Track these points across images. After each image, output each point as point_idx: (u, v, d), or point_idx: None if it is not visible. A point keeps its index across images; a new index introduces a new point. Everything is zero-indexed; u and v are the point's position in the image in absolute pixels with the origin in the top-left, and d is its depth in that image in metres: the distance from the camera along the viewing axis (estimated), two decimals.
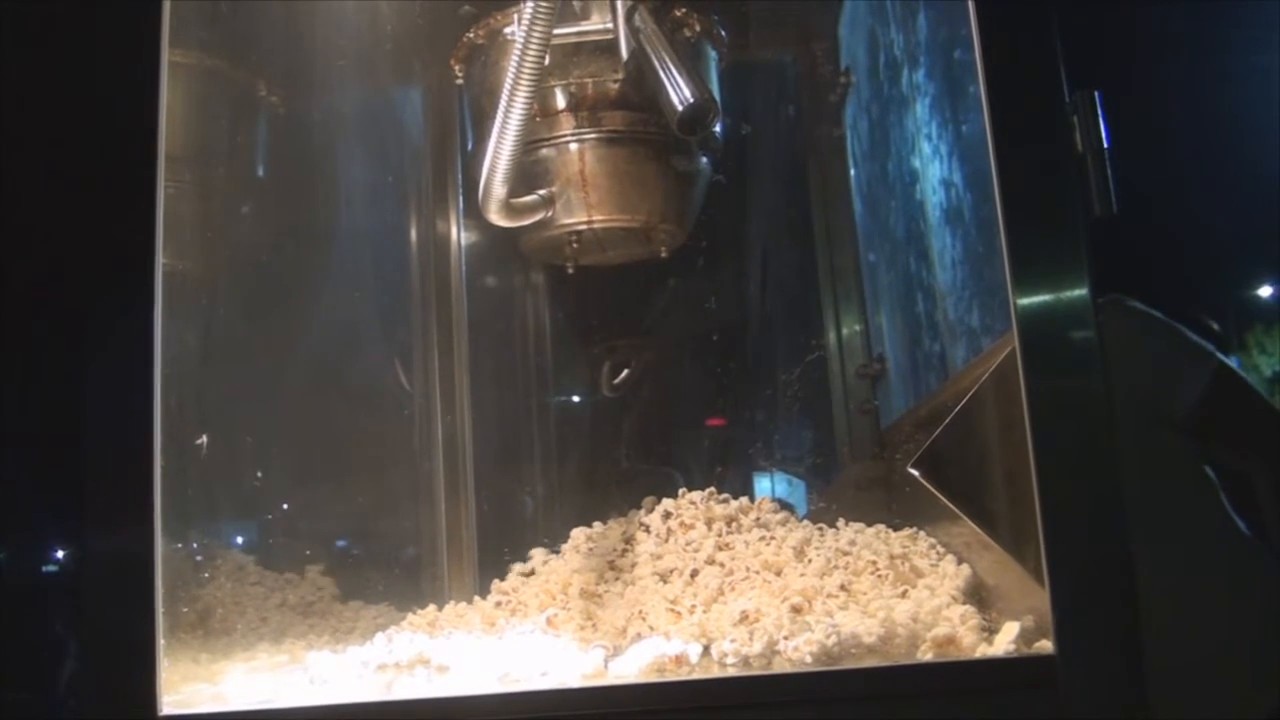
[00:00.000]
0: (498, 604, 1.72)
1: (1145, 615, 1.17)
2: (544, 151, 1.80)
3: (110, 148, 1.27)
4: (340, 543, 2.00)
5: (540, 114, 1.75)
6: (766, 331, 2.27)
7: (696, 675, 1.30)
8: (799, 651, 1.29)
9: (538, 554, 1.81)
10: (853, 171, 2.24)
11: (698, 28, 1.85)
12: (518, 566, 1.80)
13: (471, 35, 1.87)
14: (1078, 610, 1.16)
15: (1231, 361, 1.61)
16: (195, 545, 1.70)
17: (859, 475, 2.09)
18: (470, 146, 1.98)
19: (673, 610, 1.51)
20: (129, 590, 1.20)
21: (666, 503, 1.78)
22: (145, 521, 1.20)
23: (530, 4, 1.49)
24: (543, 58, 1.52)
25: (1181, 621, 1.25)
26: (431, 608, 1.77)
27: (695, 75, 1.63)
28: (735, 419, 2.22)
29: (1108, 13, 1.32)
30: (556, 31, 1.56)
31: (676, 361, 2.31)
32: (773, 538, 1.65)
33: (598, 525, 1.82)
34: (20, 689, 1.35)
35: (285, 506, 1.94)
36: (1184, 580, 1.30)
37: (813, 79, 2.29)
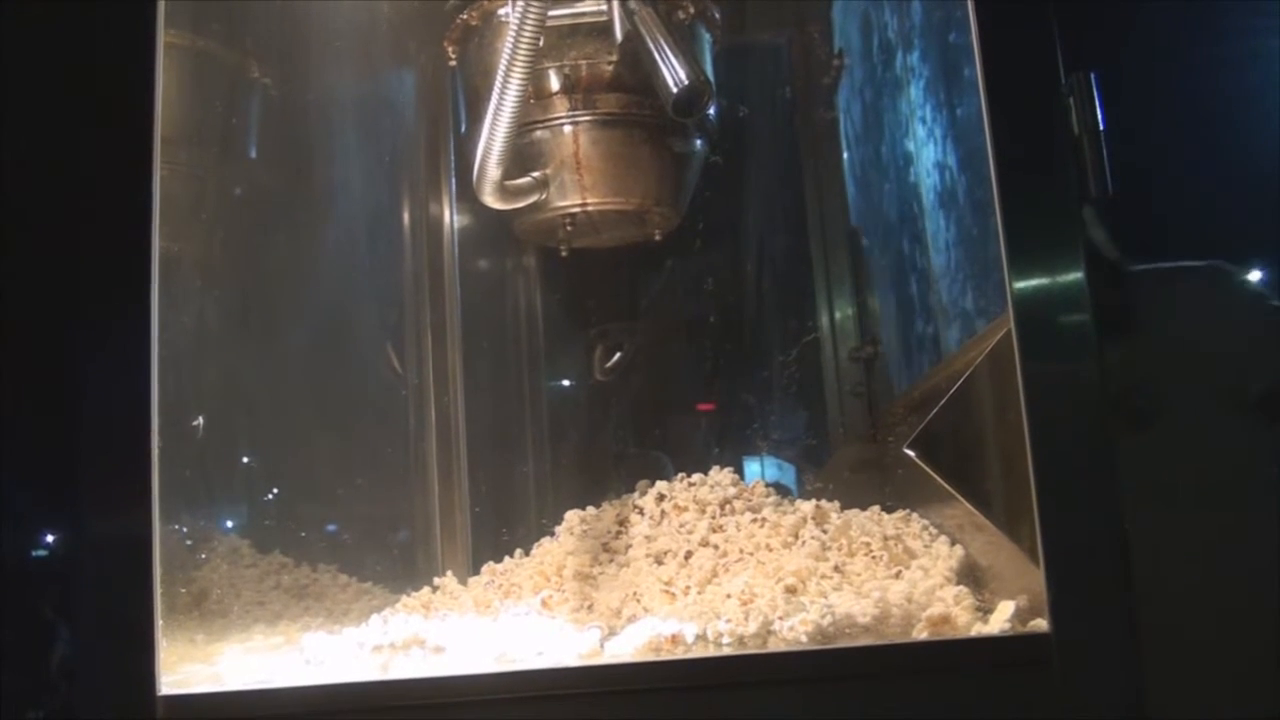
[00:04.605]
0: (487, 584, 1.72)
1: (1195, 601, 1.17)
2: (538, 134, 1.79)
3: (106, 128, 1.27)
4: (334, 525, 2.00)
5: (534, 96, 1.75)
6: (759, 315, 2.27)
7: (693, 654, 1.31)
8: (794, 631, 1.30)
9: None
10: (846, 154, 2.24)
11: (692, 10, 1.85)
12: None
13: (465, 17, 1.86)
14: (1073, 589, 1.17)
15: None
16: (187, 529, 1.70)
17: (852, 458, 2.10)
18: (464, 129, 1.97)
19: (667, 591, 1.52)
20: (128, 572, 1.20)
21: (660, 485, 1.79)
22: (143, 503, 1.20)
23: None
24: (537, 40, 1.52)
25: (1231, 610, 1.25)
26: (426, 589, 1.77)
27: (690, 57, 1.63)
28: (727, 403, 2.22)
29: None
30: (551, 13, 1.56)
31: (669, 345, 2.31)
32: (765, 520, 1.66)
33: (591, 508, 1.83)
34: (15, 672, 1.35)
35: (279, 489, 1.94)
36: (1235, 567, 1.30)
37: (806, 62, 2.29)
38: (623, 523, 1.77)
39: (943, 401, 1.57)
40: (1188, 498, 1.26)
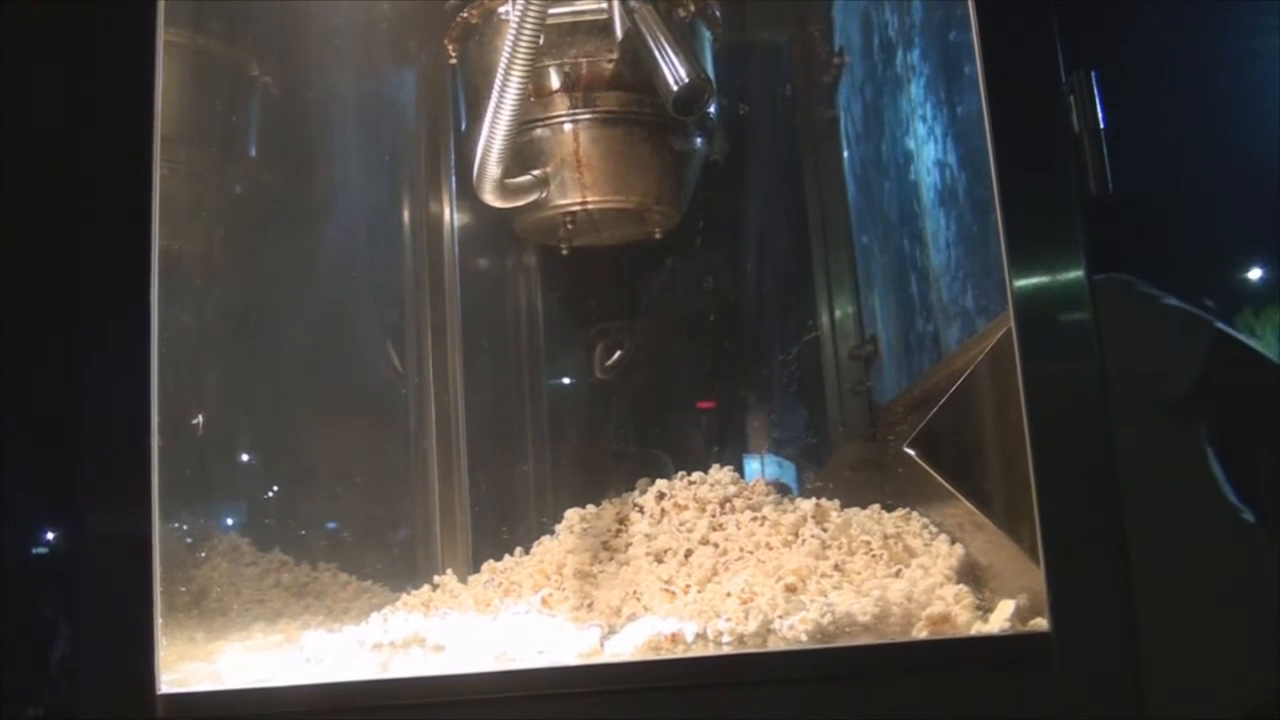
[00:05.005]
0: (487, 582, 1.72)
1: (1141, 602, 1.17)
2: (538, 132, 1.79)
3: (106, 127, 1.27)
4: (334, 524, 2.00)
5: (535, 94, 1.75)
6: (759, 314, 2.27)
7: (693, 653, 1.31)
8: (794, 630, 1.30)
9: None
10: (846, 153, 2.24)
11: (692, 7, 1.84)
12: None
13: (465, 15, 1.86)
14: (1073, 587, 1.17)
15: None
16: (187, 527, 1.70)
17: (852, 456, 2.10)
18: (464, 127, 1.97)
19: (667, 590, 1.52)
20: (128, 570, 1.20)
21: (660, 483, 1.79)
22: (143, 502, 1.20)
23: None
24: (537, 38, 1.52)
25: (1178, 609, 1.25)
26: (426, 588, 1.77)
27: (690, 55, 1.63)
28: (727, 401, 2.22)
29: None
30: (551, 11, 1.56)
31: (669, 343, 2.31)
32: (765, 518, 1.66)
33: (592, 506, 1.83)
34: (15, 670, 1.35)
35: (279, 487, 1.94)
36: (1180, 568, 1.31)
37: (807, 60, 2.29)
38: (623, 521, 1.77)
39: (943, 400, 1.57)
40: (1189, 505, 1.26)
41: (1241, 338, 1.65)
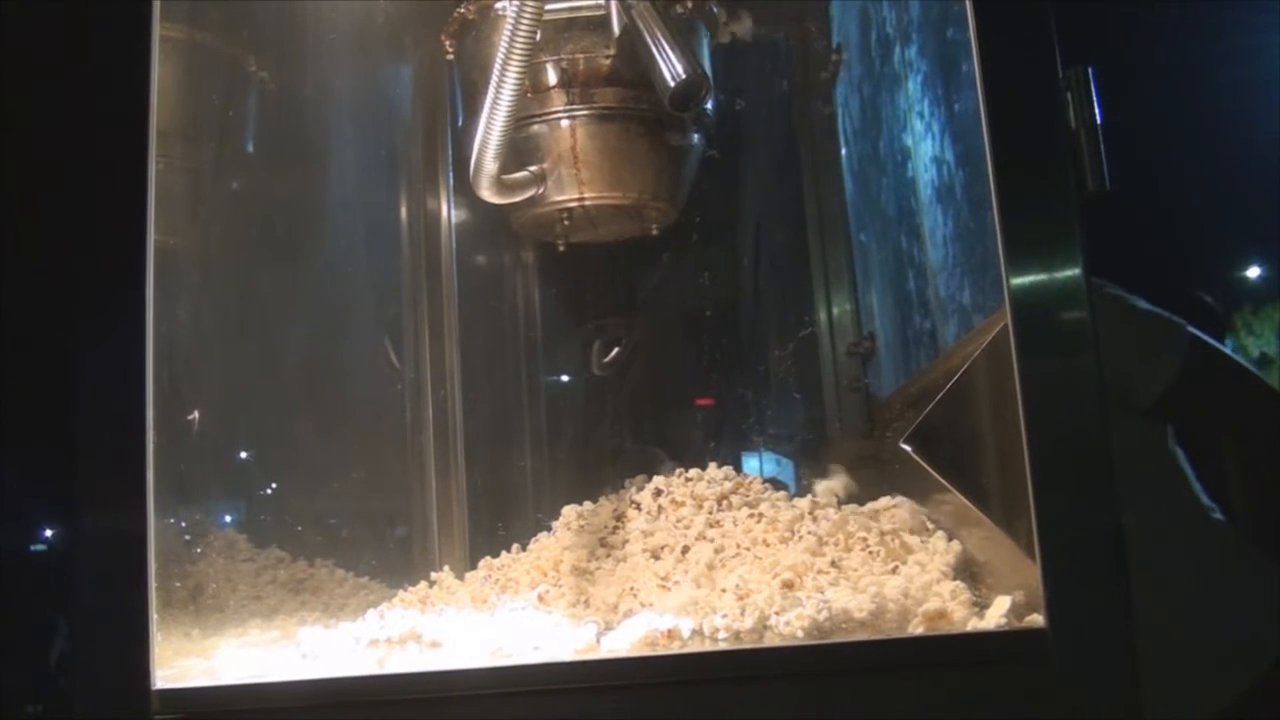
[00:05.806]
0: (484, 579, 1.72)
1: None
2: (535, 128, 1.79)
3: (102, 122, 1.27)
4: (331, 520, 2.00)
5: (531, 90, 1.75)
6: (757, 310, 2.27)
7: (689, 649, 1.31)
8: (790, 626, 1.30)
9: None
10: (844, 150, 2.23)
11: (690, 4, 1.84)
12: None
13: (463, 10, 1.86)
14: (1069, 584, 1.17)
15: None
16: (183, 523, 1.70)
17: (849, 453, 2.09)
18: (461, 123, 1.97)
19: (664, 587, 1.52)
20: (123, 567, 1.20)
21: (658, 480, 1.79)
22: (138, 498, 1.20)
23: None
24: (534, 33, 1.52)
25: (1154, 610, 1.26)
26: (423, 584, 1.77)
27: (687, 51, 1.62)
28: (725, 397, 2.22)
29: None
30: (548, 7, 1.55)
31: (667, 340, 2.31)
32: (762, 515, 1.66)
33: (589, 503, 1.82)
34: (13, 666, 1.35)
35: (276, 484, 1.94)
36: (1154, 568, 1.31)
37: (805, 56, 2.29)
38: (620, 518, 1.77)
39: (939, 396, 1.56)
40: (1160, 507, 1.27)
41: (1211, 341, 1.66)
